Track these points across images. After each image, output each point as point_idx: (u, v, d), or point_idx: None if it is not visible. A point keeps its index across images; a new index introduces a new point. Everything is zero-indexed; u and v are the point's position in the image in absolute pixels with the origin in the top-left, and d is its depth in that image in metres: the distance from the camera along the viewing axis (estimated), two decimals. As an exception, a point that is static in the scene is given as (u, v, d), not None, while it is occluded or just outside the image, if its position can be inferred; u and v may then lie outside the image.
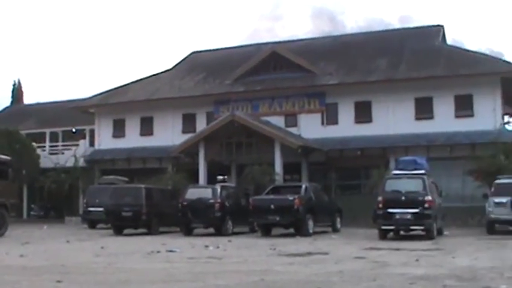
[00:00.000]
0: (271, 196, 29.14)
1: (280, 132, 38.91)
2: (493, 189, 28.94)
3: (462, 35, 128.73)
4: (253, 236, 28.19)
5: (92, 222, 36.44)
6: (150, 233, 30.08)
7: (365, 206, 29.49)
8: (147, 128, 45.54)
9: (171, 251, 19.83)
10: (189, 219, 29.41)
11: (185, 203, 29.47)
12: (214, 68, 47.20)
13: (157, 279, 12.91)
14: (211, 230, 29.86)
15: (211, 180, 38.00)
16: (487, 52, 50.51)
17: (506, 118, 46.68)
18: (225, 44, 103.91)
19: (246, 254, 19.06)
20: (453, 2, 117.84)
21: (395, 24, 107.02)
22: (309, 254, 18.75)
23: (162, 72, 50.18)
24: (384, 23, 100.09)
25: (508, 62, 39.41)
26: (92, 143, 49.01)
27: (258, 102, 42.64)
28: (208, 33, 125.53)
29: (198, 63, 49.43)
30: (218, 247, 21.41)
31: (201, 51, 53.13)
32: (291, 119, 41.89)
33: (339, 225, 31.21)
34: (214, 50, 53.01)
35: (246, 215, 29.11)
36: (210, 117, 42.56)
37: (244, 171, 37.22)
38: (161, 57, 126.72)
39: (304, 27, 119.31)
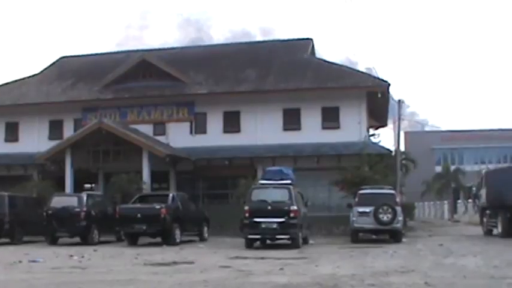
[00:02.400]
0: (138, 205, 29.00)
1: (148, 140, 38.68)
2: (357, 199, 29.62)
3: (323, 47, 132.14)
4: (120, 245, 27.90)
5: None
6: (13, 242, 29.05)
7: (232, 215, 29.61)
8: (12, 134, 44.16)
9: (33, 261, 19.42)
10: (54, 228, 28.83)
11: (50, 212, 28.88)
12: (83, 74, 46.32)
13: (17, 290, 12.64)
14: (77, 239, 29.38)
15: (78, 189, 37.30)
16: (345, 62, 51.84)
17: (371, 131, 48.13)
18: (94, 51, 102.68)
19: (111, 263, 18.90)
20: (314, 16, 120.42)
21: (258, 36, 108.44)
22: (175, 263, 18.75)
23: (29, 77, 48.85)
24: (249, 34, 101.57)
25: (374, 77, 40.57)
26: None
27: (126, 110, 42.22)
28: (77, 39, 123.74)
29: (67, 69, 48.39)
30: (83, 257, 21.10)
31: (70, 57, 51.98)
32: (160, 128, 41.69)
33: (206, 234, 31.33)
34: (83, 55, 51.94)
35: (112, 223, 28.83)
36: (77, 124, 41.72)
37: (112, 179, 36.80)
38: (28, 62, 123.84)
39: (171, 36, 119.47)
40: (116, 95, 42.45)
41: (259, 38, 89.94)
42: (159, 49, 51.33)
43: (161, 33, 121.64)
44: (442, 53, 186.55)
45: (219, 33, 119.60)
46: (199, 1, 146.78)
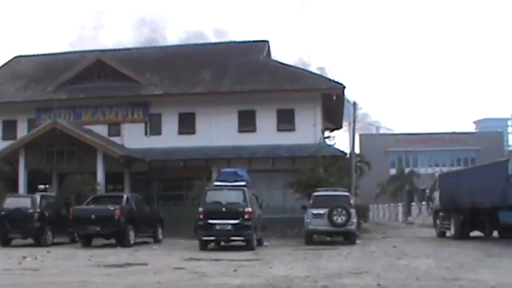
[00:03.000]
0: (92, 206, 28.76)
1: (103, 141, 38.44)
2: (311, 201, 29.70)
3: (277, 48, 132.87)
4: (74, 247, 27.58)
5: None
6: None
7: (187, 217, 29.55)
8: (-36, 134, 43.60)
9: (-16, 262, 19.18)
10: (6, 230, 28.39)
11: (3, 213, 28.44)
12: (38, 74, 45.79)
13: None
14: (30, 240, 29.03)
15: (32, 189, 36.87)
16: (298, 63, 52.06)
17: (326, 133, 48.39)
18: (48, 50, 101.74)
19: (64, 265, 18.74)
20: (267, 17, 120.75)
21: (212, 37, 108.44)
22: (129, 265, 18.67)
23: (-18, 77, 48.19)
24: (203, 36, 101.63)
25: (329, 79, 40.79)
26: None
27: (81, 111, 41.87)
28: (31, 39, 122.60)
29: (21, 69, 47.80)
30: (36, 258, 20.92)
31: (24, 56, 51.39)
32: (115, 129, 41.45)
33: (160, 236, 31.18)
34: (38, 55, 51.28)
35: (66, 225, 28.55)
36: (31, 125, 41.26)
37: (66, 180, 36.49)
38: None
39: (126, 37, 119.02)
40: (70, 95, 42.06)
41: (213, 39, 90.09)
42: (115, 49, 51.03)
43: (116, 33, 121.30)
44: (392, 55, 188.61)
45: (174, 34, 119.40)
46: (154, 2, 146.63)
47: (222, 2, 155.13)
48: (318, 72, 47.49)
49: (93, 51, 48.05)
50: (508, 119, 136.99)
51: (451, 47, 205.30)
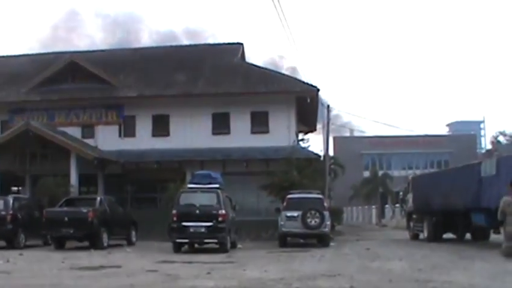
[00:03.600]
0: (65, 208, 28.62)
1: (77, 143, 38.28)
2: (285, 204, 29.74)
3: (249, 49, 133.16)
4: (47, 249, 27.40)
5: None
6: None
7: (161, 219, 29.45)
8: None
9: (-44, 265, 19.03)
10: (-22, 232, 28.22)
11: (-25, 215, 28.27)
12: (10, 75, 45.36)
13: None
14: (2, 243, 28.78)
15: (5, 192, 36.52)
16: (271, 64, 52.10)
17: (300, 135, 48.52)
18: (21, 52, 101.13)
19: (36, 268, 18.64)
20: (240, 18, 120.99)
21: (183, 40, 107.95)
22: (102, 267, 18.60)
23: (-46, 77, 47.69)
24: (175, 37, 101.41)
25: (303, 82, 40.88)
26: None
27: (54, 112, 41.65)
28: (3, 40, 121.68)
29: (-7, 70, 47.46)
30: (8, 261, 20.73)
31: (-4, 57, 51.04)
32: (89, 130, 41.28)
33: (134, 238, 31.09)
34: (10, 56, 50.85)
35: (39, 227, 28.37)
36: (4, 126, 40.89)
37: (39, 182, 36.26)
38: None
39: (99, 38, 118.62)
40: (44, 96, 41.76)
41: (185, 41, 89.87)
42: (89, 51, 50.72)
43: (88, 34, 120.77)
44: (365, 57, 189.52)
45: (146, 36, 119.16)
46: (127, 3, 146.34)
47: (194, 3, 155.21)
48: (289, 72, 47.61)
49: (66, 52, 47.71)
50: (481, 122, 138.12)
51: (424, 51, 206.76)
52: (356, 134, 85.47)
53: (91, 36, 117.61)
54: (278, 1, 19.88)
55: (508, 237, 20.40)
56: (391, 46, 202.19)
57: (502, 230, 22.06)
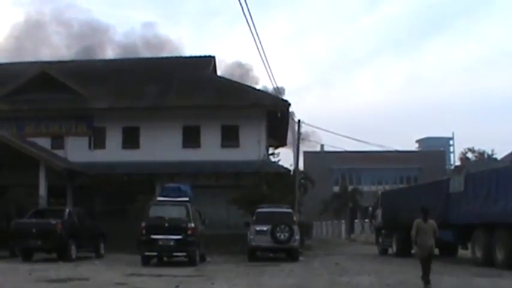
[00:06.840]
0: (33, 220, 28.35)
1: (46, 154, 37.99)
2: (254, 218, 29.78)
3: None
4: (14, 261, 27.12)
5: None
6: None
7: (130, 232, 29.22)
8: None
9: None
10: None
11: None
12: (-21, 84, 45.03)
13: None
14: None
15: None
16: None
17: (271, 150, 48.59)
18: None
19: (3, 280, 18.50)
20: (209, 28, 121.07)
21: (145, 53, 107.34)
22: (70, 279, 18.51)
23: None
24: (137, 49, 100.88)
25: (274, 96, 41.02)
26: None
27: (24, 123, 41.35)
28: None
29: (-38, 79, 46.95)
30: (-26, 272, 20.56)
31: (-35, 66, 50.51)
32: (58, 141, 41.02)
33: (102, 251, 30.93)
34: (-21, 65, 50.54)
35: (7, 238, 28.11)
36: (-28, 136, 40.58)
37: (7, 193, 35.90)
38: None
39: (65, 48, 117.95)
40: (13, 106, 41.37)
41: (149, 52, 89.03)
42: (60, 61, 50.46)
43: (55, 45, 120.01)
44: (335, 71, 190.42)
45: (111, 46, 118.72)
46: (93, 13, 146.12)
47: (164, 15, 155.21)
48: (260, 86, 47.67)
49: (36, 62, 47.36)
50: (450, 138, 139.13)
51: (394, 66, 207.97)
52: (326, 149, 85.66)
53: (56, 47, 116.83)
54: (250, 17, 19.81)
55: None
56: (362, 62, 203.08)
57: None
